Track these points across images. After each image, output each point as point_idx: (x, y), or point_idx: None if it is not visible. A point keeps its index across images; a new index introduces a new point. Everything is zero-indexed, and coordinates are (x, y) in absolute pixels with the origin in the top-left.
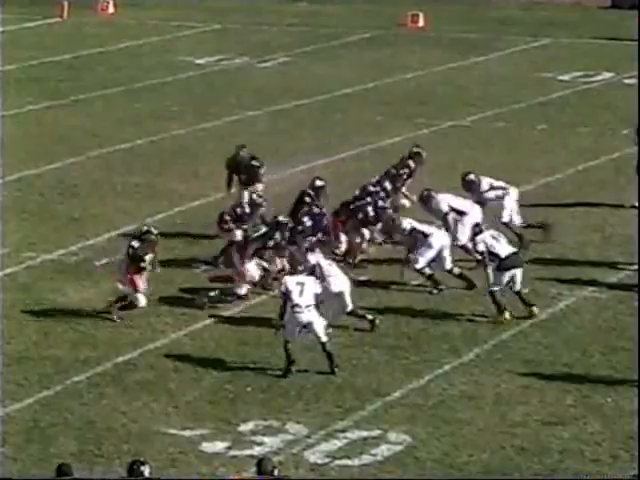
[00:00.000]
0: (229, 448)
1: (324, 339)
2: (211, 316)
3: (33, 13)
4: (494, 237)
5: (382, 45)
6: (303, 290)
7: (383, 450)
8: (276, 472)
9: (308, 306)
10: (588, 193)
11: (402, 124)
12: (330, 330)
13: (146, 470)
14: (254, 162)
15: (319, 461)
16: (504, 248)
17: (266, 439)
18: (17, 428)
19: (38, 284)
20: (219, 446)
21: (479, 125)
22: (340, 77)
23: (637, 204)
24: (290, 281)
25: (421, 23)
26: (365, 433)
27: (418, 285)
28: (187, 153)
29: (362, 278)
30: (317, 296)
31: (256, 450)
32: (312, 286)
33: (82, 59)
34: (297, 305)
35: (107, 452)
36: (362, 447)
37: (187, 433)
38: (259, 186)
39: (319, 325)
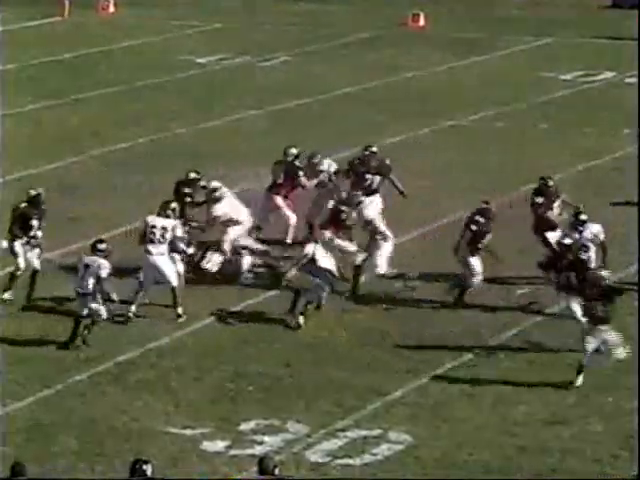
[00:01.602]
0: (230, 447)
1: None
2: (212, 315)
3: (33, 12)
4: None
5: (383, 45)
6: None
7: (384, 449)
8: (277, 471)
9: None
10: (589, 192)
11: (402, 123)
12: None
13: (149, 469)
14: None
15: (320, 460)
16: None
17: (267, 438)
18: (18, 427)
19: (39, 283)
20: (220, 445)
21: (480, 125)
22: (341, 76)
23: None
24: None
25: (422, 23)
26: (366, 432)
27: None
28: (188, 152)
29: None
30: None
31: (257, 449)
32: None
33: (83, 58)
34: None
35: (108, 451)
36: (363, 446)
37: (188, 432)
38: None
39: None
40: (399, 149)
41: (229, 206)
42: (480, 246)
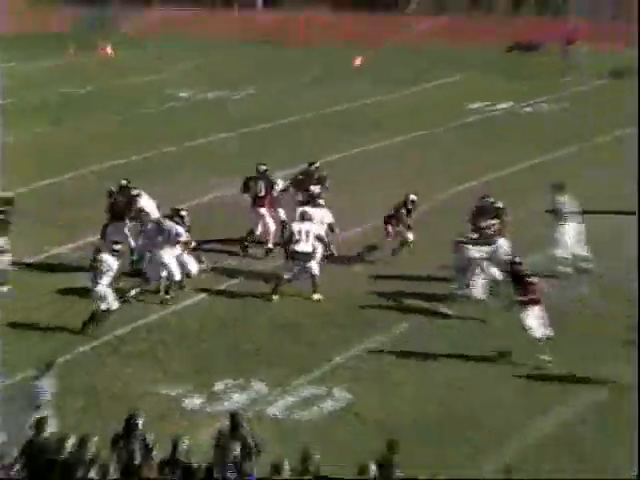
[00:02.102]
0: (205, 404)
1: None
2: (194, 297)
3: (42, 54)
4: (300, 232)
5: (332, 81)
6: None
7: (329, 405)
8: (245, 424)
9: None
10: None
11: (351, 142)
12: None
13: (140, 421)
14: None
15: (278, 414)
16: (302, 245)
17: (235, 396)
18: None
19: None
20: (197, 403)
21: (409, 145)
22: (299, 106)
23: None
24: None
25: (358, 62)
26: (315, 391)
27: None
28: (175, 167)
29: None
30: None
31: (227, 406)
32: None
33: (87, 92)
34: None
35: (106, 410)
36: (312, 402)
37: (172, 393)
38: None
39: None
40: (345, 163)
41: (147, 201)
42: None
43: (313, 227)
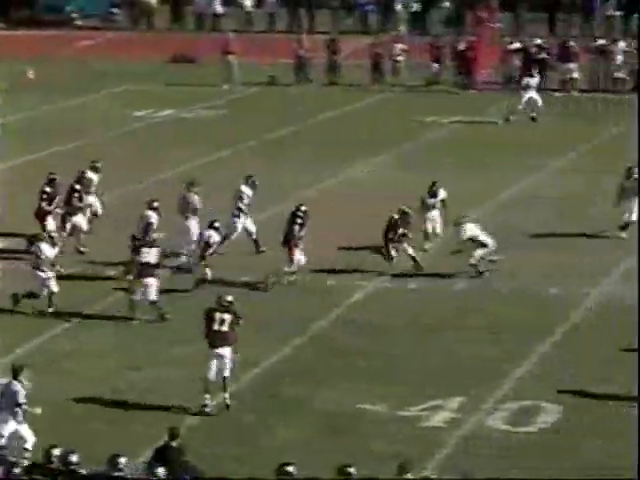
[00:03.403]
0: None
1: None
2: None
3: None
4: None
5: (11, 92)
6: None
7: None
8: None
9: None
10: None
11: (22, 150)
12: None
13: None
14: None
15: None
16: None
17: None
18: None
19: None
20: None
21: (76, 150)
22: None
23: None
24: None
25: (32, 76)
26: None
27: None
28: None
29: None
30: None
31: None
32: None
33: None
34: None
35: None
36: None
37: None
38: None
39: None
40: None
41: None
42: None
43: None
